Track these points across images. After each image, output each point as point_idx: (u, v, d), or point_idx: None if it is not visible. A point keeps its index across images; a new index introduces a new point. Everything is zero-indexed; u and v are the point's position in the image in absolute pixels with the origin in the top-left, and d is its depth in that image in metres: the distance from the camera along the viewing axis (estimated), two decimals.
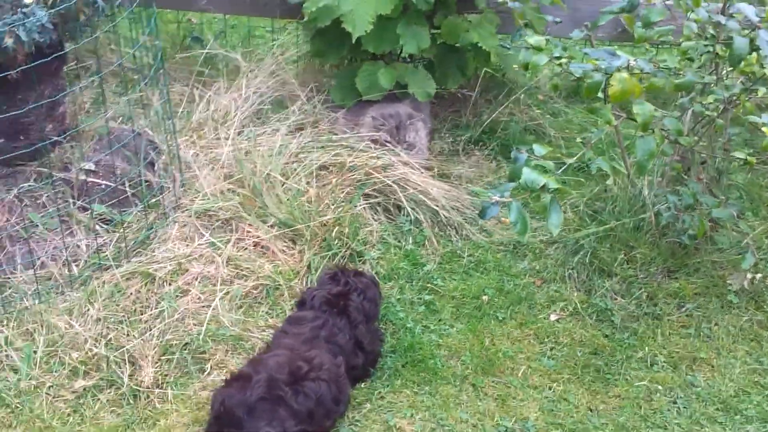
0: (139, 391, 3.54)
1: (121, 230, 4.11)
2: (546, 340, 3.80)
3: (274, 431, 3.12)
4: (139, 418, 3.45)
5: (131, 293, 3.90)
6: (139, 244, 4.13)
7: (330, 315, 3.55)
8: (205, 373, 3.64)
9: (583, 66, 3.38)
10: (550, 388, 3.58)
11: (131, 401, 3.52)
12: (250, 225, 4.20)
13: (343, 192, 4.35)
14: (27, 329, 3.74)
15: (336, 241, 4.10)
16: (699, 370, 3.66)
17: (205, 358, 3.69)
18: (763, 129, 3.38)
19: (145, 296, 3.90)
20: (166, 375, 3.62)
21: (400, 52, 5.05)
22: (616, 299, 3.95)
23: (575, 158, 3.47)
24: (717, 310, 3.92)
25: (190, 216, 4.26)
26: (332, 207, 4.25)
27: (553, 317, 3.91)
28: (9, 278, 3.95)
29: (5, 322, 3.76)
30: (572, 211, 4.41)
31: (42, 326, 3.74)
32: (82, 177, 4.27)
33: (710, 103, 3.78)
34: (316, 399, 3.23)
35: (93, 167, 4.33)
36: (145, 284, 3.95)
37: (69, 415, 3.46)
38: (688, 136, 3.78)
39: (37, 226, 4.12)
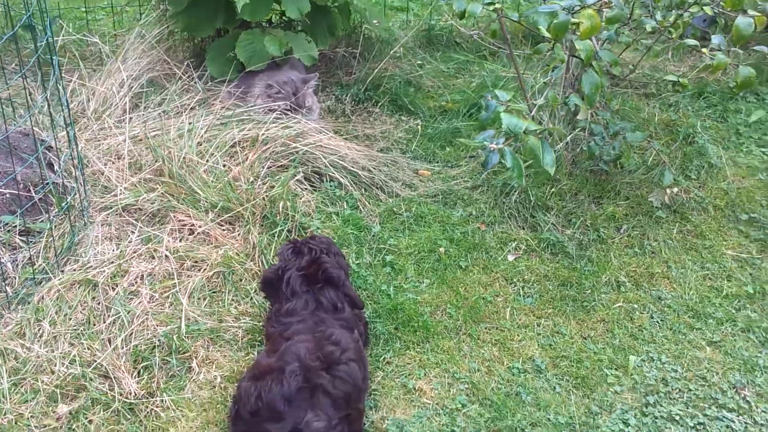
0: (133, 404, 3.28)
1: (45, 239, 3.75)
2: (514, 280, 3.90)
3: (321, 422, 3.01)
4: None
5: (77, 304, 3.58)
6: (65, 251, 3.78)
7: (317, 292, 3.43)
8: (194, 372, 3.43)
9: (550, 7, 3.44)
10: (539, 325, 3.69)
11: (128, 416, 3.25)
12: (182, 213, 3.96)
13: (263, 166, 4.20)
14: None
15: (278, 217, 3.96)
16: (659, 285, 3.91)
17: (187, 357, 3.47)
18: (704, 51, 3.63)
19: (92, 305, 3.60)
20: (151, 381, 3.37)
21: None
22: (561, 231, 4.11)
23: (542, 98, 3.56)
24: (650, 227, 4.19)
25: (112, 214, 3.95)
26: (258, 183, 4.09)
27: (510, 257, 4.01)
28: None
29: None
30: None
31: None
32: None
33: (625, 34, 4.00)
34: (351, 382, 3.14)
35: None
36: (88, 292, 3.64)
37: None
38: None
39: None
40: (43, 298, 3.59)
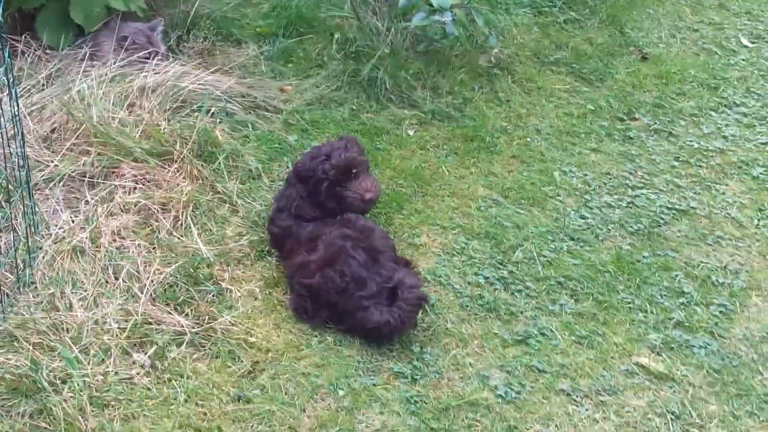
0: (200, 332, 3.48)
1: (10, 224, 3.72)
2: (427, 147, 4.55)
3: (412, 277, 3.53)
4: (236, 346, 3.44)
5: (77, 271, 3.66)
6: (36, 229, 3.79)
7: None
8: (232, 292, 3.67)
9: None
10: (472, 173, 4.42)
11: (204, 341, 3.47)
12: (125, 166, 4.08)
13: (164, 110, 4.38)
14: (35, 342, 3.36)
15: (213, 148, 4.22)
16: (531, 120, 4.82)
17: (213, 283, 3.70)
18: None
19: (92, 269, 3.69)
20: (198, 312, 3.57)
21: None
22: (436, 101, 4.79)
23: None
24: (494, 82, 5.01)
25: (56, 185, 3.99)
26: (172, 124, 4.29)
27: (411, 132, 4.62)
28: None
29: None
30: (332, 59, 5.01)
31: (51, 330, 3.39)
32: None
33: None
34: (390, 238, 3.70)
35: None
36: (80, 259, 3.72)
37: (167, 381, 3.31)
38: None
39: None
40: (44, 274, 3.61)
